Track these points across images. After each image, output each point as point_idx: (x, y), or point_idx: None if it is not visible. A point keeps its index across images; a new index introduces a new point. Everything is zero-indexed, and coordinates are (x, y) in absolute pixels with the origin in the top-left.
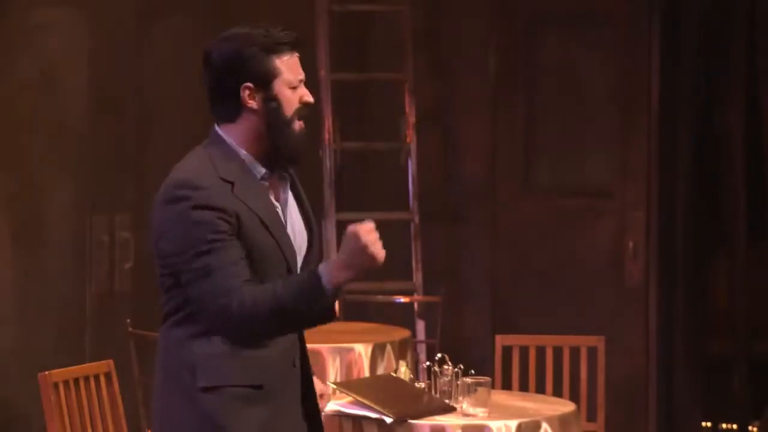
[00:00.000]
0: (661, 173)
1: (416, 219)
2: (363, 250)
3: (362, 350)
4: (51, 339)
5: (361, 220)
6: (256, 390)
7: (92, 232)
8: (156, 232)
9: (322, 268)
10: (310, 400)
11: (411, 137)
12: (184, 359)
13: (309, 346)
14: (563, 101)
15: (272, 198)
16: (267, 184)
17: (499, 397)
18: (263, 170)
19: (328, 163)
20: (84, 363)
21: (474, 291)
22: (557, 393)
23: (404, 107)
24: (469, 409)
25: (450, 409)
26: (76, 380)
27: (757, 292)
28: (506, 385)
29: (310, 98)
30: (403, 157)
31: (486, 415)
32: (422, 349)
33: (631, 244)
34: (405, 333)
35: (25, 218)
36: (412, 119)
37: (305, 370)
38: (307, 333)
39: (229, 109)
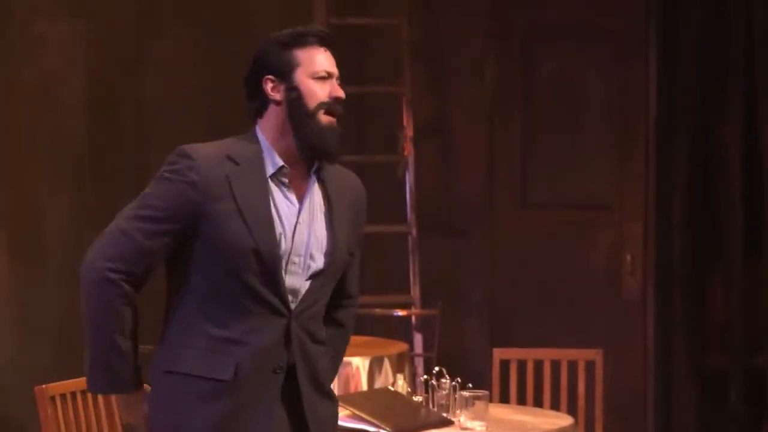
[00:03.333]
0: (659, 186)
1: (414, 232)
2: None
3: (360, 364)
4: (48, 353)
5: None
6: (218, 384)
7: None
8: None
9: (130, 398)
10: (300, 415)
11: (409, 150)
12: (162, 340)
13: None
14: (561, 114)
15: (287, 192)
16: (284, 179)
17: (497, 410)
18: (280, 162)
19: None
20: (81, 377)
21: (472, 304)
22: (555, 407)
23: (402, 120)
24: (466, 423)
25: (448, 423)
26: (74, 394)
27: (754, 306)
28: (504, 399)
29: (340, 93)
30: (401, 170)
31: (484, 428)
32: (420, 363)
33: (628, 257)
34: (402, 346)
35: (22, 233)
36: (409, 132)
37: (299, 383)
38: None
39: (257, 104)
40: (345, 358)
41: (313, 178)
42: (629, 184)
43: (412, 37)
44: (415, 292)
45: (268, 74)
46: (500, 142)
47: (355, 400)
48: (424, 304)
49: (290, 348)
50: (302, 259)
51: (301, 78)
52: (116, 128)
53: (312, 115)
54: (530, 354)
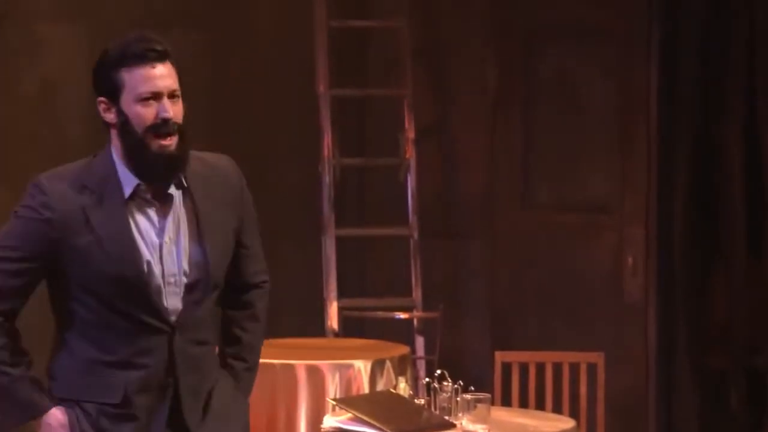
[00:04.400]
0: (660, 188)
1: (415, 235)
2: None
3: (362, 366)
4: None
5: (360, 236)
6: (99, 407)
7: None
8: None
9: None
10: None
11: (410, 153)
12: (51, 369)
13: (309, 362)
14: (562, 116)
15: (150, 212)
16: (147, 196)
17: (499, 413)
18: (136, 181)
19: (327, 179)
20: None
21: (473, 307)
22: (557, 409)
23: (403, 123)
24: (468, 426)
25: (449, 426)
26: None
27: (756, 307)
28: (506, 402)
29: (166, 113)
30: (403, 173)
31: (486, 431)
32: (422, 366)
33: (630, 259)
34: (404, 349)
35: None
36: (411, 135)
37: (183, 396)
38: (307, 349)
39: (104, 125)
40: (346, 361)
41: (174, 190)
42: (630, 185)
43: (412, 40)
44: (417, 294)
45: (100, 95)
46: (501, 144)
47: (357, 402)
48: (426, 307)
49: (175, 360)
50: (176, 277)
51: (127, 102)
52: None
53: (141, 140)
54: (532, 357)
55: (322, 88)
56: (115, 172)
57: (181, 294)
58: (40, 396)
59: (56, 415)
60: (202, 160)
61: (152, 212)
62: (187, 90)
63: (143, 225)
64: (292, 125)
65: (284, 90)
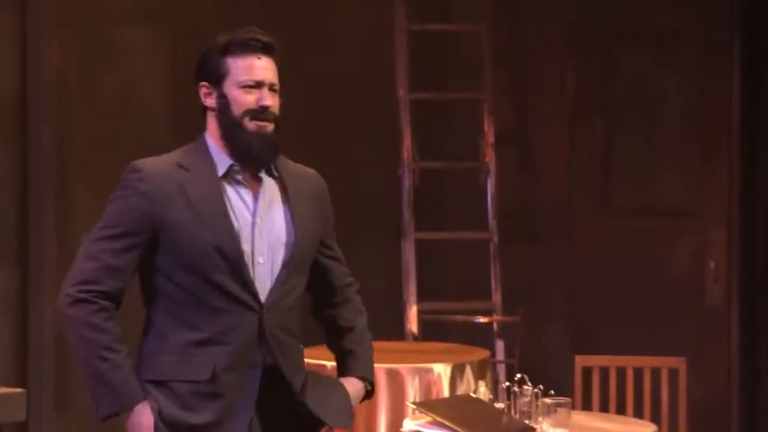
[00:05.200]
0: (742, 192)
1: (495, 239)
2: None
3: (441, 370)
4: None
5: (439, 240)
6: (197, 385)
7: None
8: None
9: (138, 417)
10: (270, 406)
11: (490, 156)
12: (140, 351)
13: (389, 365)
14: (641, 120)
15: (244, 192)
16: (238, 177)
17: (580, 418)
18: (230, 162)
19: (406, 182)
20: None
21: (553, 311)
22: (638, 415)
23: (483, 126)
24: (549, 430)
25: (530, 430)
26: None
27: None
28: (586, 406)
29: (266, 101)
30: (482, 177)
31: None
32: (501, 370)
33: (712, 264)
34: (484, 353)
35: None
36: (490, 138)
37: (272, 374)
38: (387, 353)
39: (201, 110)
40: (426, 365)
41: (265, 176)
42: (712, 189)
43: (492, 43)
44: (497, 298)
45: (203, 81)
46: (581, 148)
47: (437, 406)
48: (506, 311)
49: (265, 342)
50: (267, 253)
51: (229, 87)
52: (199, 133)
53: (239, 122)
54: (613, 361)
55: (401, 91)
56: (210, 155)
57: (271, 275)
58: (135, 387)
59: (145, 414)
60: (293, 163)
61: (244, 192)
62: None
63: (236, 203)
64: (372, 129)
65: (364, 94)
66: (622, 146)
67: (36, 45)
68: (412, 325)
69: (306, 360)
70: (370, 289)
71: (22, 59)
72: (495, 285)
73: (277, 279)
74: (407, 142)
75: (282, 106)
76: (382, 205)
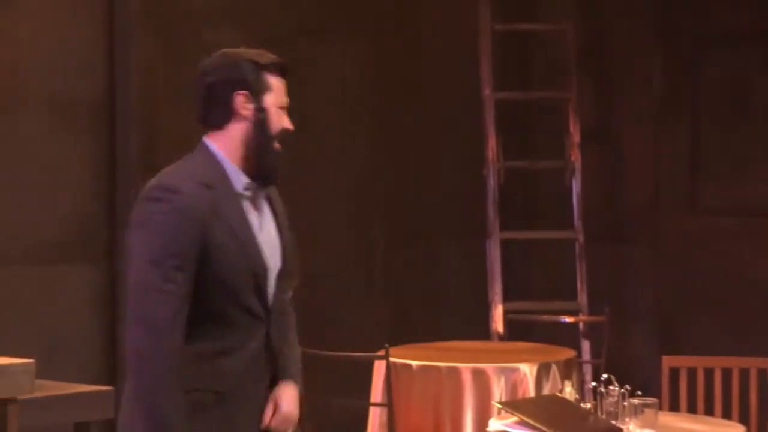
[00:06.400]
0: None
1: (581, 238)
2: None
3: (527, 370)
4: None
5: (525, 239)
6: (213, 395)
7: None
8: (131, 226)
9: None
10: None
11: (575, 156)
12: None
13: (475, 365)
14: (730, 119)
15: (251, 208)
16: (248, 193)
17: (667, 418)
18: (246, 180)
19: (491, 182)
20: None
21: (639, 311)
22: (726, 416)
23: (568, 126)
24: (636, 431)
25: (616, 431)
26: None
27: None
28: (674, 407)
29: (289, 125)
30: (568, 176)
31: None
32: (588, 370)
33: None
34: (570, 353)
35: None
36: (576, 138)
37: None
38: (472, 352)
39: (220, 116)
40: (512, 365)
41: (263, 191)
42: None
43: (577, 42)
44: (583, 298)
45: (243, 89)
46: (668, 148)
47: (523, 406)
48: (592, 311)
49: (273, 347)
50: (272, 267)
51: (270, 103)
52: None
53: (272, 138)
54: (700, 362)
55: (486, 91)
56: (225, 170)
57: (273, 285)
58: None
59: None
60: None
61: (251, 209)
62: (353, 95)
63: (252, 220)
64: (457, 128)
65: (449, 93)
66: (709, 145)
67: (123, 46)
68: (498, 324)
69: (392, 359)
70: (454, 288)
71: (110, 60)
72: (581, 285)
73: (276, 288)
74: (492, 142)
75: (367, 107)
76: (467, 205)
